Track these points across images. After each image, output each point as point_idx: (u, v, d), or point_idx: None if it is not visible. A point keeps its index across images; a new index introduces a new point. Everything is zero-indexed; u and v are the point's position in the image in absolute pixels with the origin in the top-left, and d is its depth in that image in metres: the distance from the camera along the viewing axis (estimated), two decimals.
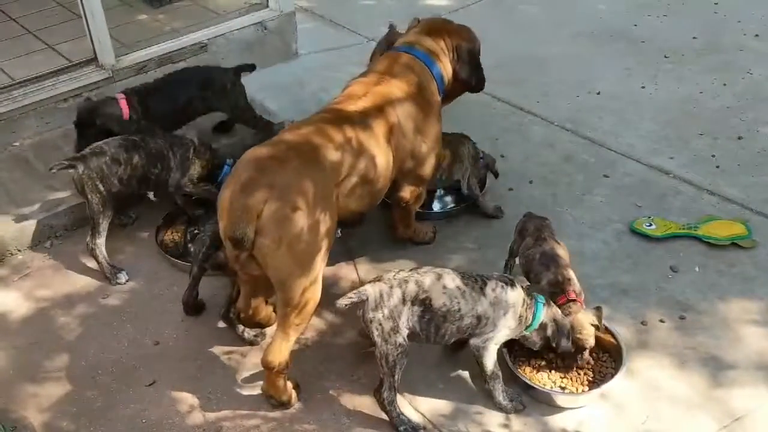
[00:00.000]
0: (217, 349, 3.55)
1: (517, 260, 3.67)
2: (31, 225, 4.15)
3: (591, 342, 3.22)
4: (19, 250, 4.14)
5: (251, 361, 3.48)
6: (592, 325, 3.21)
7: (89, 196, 3.84)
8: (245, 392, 3.36)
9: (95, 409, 3.30)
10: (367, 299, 3.01)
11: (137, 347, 3.58)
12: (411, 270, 3.12)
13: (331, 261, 3.98)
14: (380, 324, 3.00)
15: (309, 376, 3.41)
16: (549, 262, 3.39)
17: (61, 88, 4.89)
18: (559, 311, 3.22)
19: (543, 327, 3.18)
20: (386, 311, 3.00)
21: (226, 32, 5.47)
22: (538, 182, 4.49)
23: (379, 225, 4.22)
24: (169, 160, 4.01)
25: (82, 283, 3.94)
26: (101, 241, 3.88)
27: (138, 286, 3.91)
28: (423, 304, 3.04)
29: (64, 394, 3.37)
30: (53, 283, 3.95)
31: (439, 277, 3.08)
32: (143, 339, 3.61)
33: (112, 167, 3.86)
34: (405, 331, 3.04)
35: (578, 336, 3.20)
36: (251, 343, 3.54)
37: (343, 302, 3.03)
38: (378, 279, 3.09)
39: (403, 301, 3.02)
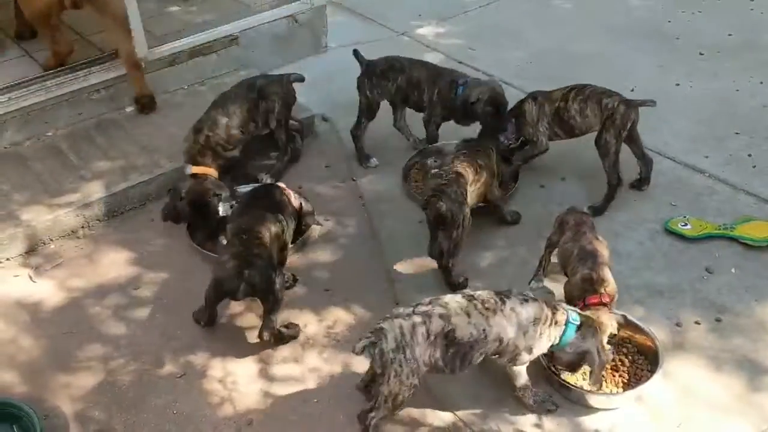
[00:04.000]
0: (248, 343, 3.55)
1: (554, 254, 3.66)
2: (63, 215, 4.17)
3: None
4: (52, 240, 4.17)
5: (282, 355, 3.48)
6: (611, 333, 3.19)
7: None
8: (276, 385, 3.36)
9: (127, 400, 3.32)
10: (386, 338, 2.83)
11: (168, 339, 3.59)
12: (430, 301, 2.94)
13: (362, 260, 4.00)
14: (401, 365, 2.82)
15: (338, 372, 3.40)
16: (587, 258, 3.34)
17: (93, 79, 4.92)
18: (594, 333, 3.05)
19: (575, 350, 3.03)
20: (408, 352, 2.82)
21: (256, 25, 5.47)
22: (570, 179, 4.45)
23: (409, 223, 4.21)
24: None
25: (114, 273, 3.96)
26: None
27: (170, 278, 3.93)
28: (447, 337, 2.88)
29: (96, 383, 3.40)
30: (85, 273, 3.97)
31: (463, 306, 2.92)
32: (174, 331, 3.62)
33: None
34: (423, 370, 2.90)
35: None
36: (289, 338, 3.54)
37: (360, 346, 2.85)
38: (396, 315, 2.90)
39: (427, 338, 2.85)
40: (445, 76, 4.47)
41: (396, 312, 2.92)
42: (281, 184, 3.90)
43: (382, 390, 2.89)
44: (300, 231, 3.90)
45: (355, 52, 4.59)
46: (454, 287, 3.68)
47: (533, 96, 4.35)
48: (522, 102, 4.36)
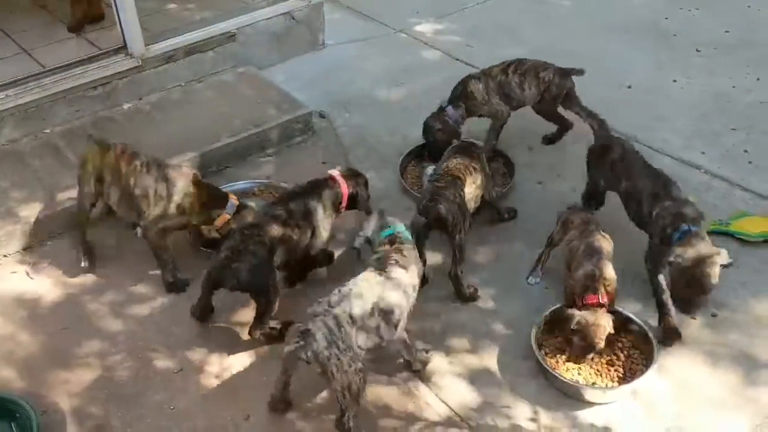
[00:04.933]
0: (245, 339, 3.55)
1: (552, 251, 3.69)
2: (61, 211, 4.17)
3: (600, 346, 3.21)
4: (51, 237, 4.17)
5: (279, 351, 3.48)
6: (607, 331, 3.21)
7: None
8: (273, 381, 3.34)
9: (124, 396, 3.33)
10: (315, 339, 2.82)
11: (166, 335, 3.60)
12: (339, 290, 3.00)
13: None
14: (338, 359, 2.83)
15: None
16: (593, 254, 3.35)
17: (90, 76, 4.92)
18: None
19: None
20: (341, 344, 2.84)
21: (254, 22, 5.48)
22: (567, 176, 4.45)
23: (407, 220, 4.20)
24: None
25: (111, 270, 3.96)
26: None
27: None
28: (383, 312, 3.00)
29: (94, 379, 3.40)
30: (83, 269, 3.97)
31: (376, 280, 3.07)
32: (171, 327, 3.63)
33: None
34: (362, 353, 2.94)
35: (595, 341, 3.19)
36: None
37: (288, 350, 2.88)
38: (315, 314, 2.90)
39: (353, 323, 2.91)
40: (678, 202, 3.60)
41: (313, 311, 2.92)
42: (334, 173, 3.82)
43: (334, 387, 2.89)
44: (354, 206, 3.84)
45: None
46: (465, 299, 3.67)
47: (473, 76, 4.47)
48: (465, 85, 4.45)
